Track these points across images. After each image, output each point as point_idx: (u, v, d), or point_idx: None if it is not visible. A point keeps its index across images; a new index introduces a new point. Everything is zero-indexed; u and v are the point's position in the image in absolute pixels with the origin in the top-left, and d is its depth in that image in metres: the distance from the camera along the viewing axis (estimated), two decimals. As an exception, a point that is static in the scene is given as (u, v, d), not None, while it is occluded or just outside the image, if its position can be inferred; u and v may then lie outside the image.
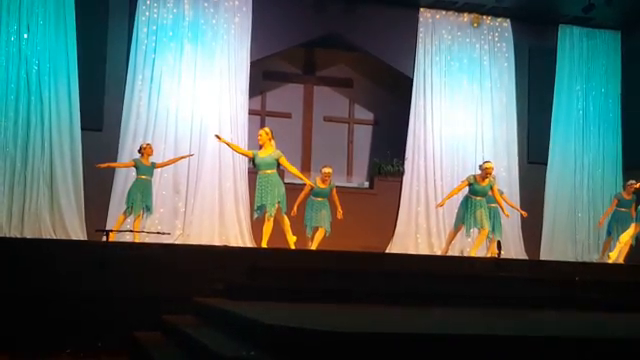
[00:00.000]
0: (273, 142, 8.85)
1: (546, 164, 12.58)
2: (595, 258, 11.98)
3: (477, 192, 9.77)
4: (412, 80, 12.30)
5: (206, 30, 11.34)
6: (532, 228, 12.26)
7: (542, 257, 12.00)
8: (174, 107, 11.09)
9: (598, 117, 12.87)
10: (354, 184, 12.68)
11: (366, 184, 12.64)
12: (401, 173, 12.14)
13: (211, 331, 5.32)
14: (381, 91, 13.14)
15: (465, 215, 9.81)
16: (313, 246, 9.83)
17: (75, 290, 6.68)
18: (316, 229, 9.98)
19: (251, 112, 11.86)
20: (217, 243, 10.31)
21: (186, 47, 11.23)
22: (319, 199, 9.97)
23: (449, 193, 10.48)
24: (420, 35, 12.36)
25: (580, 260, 11.97)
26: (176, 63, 11.15)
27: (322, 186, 9.97)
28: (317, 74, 12.99)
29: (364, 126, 13.15)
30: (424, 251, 11.61)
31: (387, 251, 11.57)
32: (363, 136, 13.11)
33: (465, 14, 12.54)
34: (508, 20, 12.64)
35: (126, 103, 10.91)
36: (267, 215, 8.73)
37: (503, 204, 10.22)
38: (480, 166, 10.05)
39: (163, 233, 8.49)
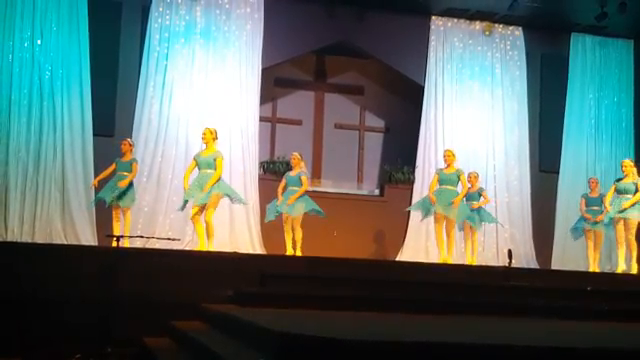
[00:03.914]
0: (217, 142, 8.90)
1: (558, 173, 12.51)
2: (607, 268, 11.89)
3: (441, 181, 9.85)
4: (423, 88, 12.27)
5: (218, 37, 11.38)
6: (544, 237, 12.20)
7: (554, 266, 11.92)
8: (185, 113, 11.10)
9: (610, 126, 12.80)
10: (364, 191, 12.65)
11: (376, 192, 12.61)
12: (412, 181, 12.10)
13: (221, 338, 5.31)
14: (392, 98, 13.12)
15: (437, 204, 9.72)
16: (296, 249, 9.49)
17: (85, 295, 6.68)
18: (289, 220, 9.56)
19: (262, 119, 11.87)
20: (227, 249, 10.30)
21: (198, 54, 11.26)
22: (293, 188, 9.54)
23: (430, 186, 10.23)
24: (431, 43, 12.34)
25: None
26: (188, 69, 11.18)
27: (290, 174, 9.73)
28: (328, 81, 12.99)
29: (375, 133, 13.13)
30: (434, 259, 11.52)
31: (397, 259, 11.53)
32: (374, 143, 13.09)
33: (477, 22, 12.51)
34: (520, 28, 12.60)
35: (138, 109, 10.94)
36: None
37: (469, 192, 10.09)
38: None
39: (173, 239, 8.46)
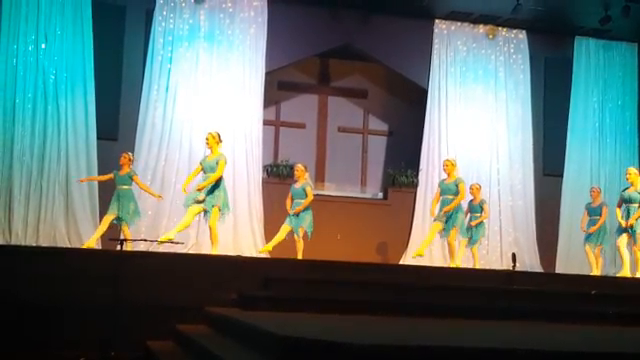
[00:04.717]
0: (220, 145, 8.93)
1: (562, 176, 12.50)
2: (612, 272, 11.85)
3: (442, 191, 9.82)
4: (427, 91, 12.28)
5: (222, 40, 11.39)
6: (548, 241, 12.17)
7: (558, 270, 11.90)
8: (189, 117, 11.12)
9: (614, 129, 12.78)
10: (368, 195, 12.65)
11: (380, 195, 12.61)
12: (415, 184, 12.10)
13: (224, 341, 5.31)
14: (396, 102, 13.13)
15: (438, 214, 9.73)
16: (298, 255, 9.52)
17: (89, 299, 6.69)
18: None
19: (265, 122, 11.88)
20: (231, 253, 10.31)
21: (201, 57, 11.28)
22: (299, 201, 9.55)
23: (433, 202, 10.22)
24: (435, 46, 12.35)
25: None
26: (191, 73, 11.20)
27: (295, 186, 9.70)
28: (332, 84, 13.00)
29: (378, 137, 13.14)
30: (438, 263, 11.53)
31: (401, 262, 11.52)
32: (377, 147, 13.09)
33: (480, 25, 12.52)
34: (524, 32, 12.60)
35: (141, 113, 10.96)
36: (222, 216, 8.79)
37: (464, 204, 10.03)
38: None
39: (177, 242, 8.49)
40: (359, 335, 4.51)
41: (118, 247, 6.90)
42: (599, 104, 12.78)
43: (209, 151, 9.07)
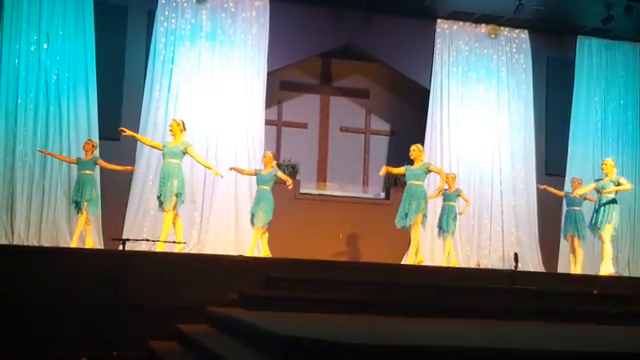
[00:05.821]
0: (184, 133, 8.91)
1: (564, 176, 12.48)
2: (612, 271, 11.83)
3: (407, 177, 9.37)
4: (429, 91, 12.28)
5: (223, 40, 11.41)
6: (550, 241, 12.16)
7: (560, 270, 11.89)
8: (191, 117, 11.10)
9: (617, 129, 12.79)
10: (370, 195, 12.65)
11: (382, 195, 12.61)
12: (417, 184, 12.06)
13: (227, 341, 5.31)
14: (398, 102, 13.13)
15: (403, 203, 9.35)
16: (263, 251, 9.49)
17: (91, 299, 6.69)
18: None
19: (267, 122, 11.89)
20: (233, 253, 10.31)
21: (203, 57, 11.29)
22: (262, 187, 9.62)
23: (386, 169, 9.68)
24: (437, 46, 12.35)
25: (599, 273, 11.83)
26: (193, 73, 11.22)
27: (263, 172, 9.71)
28: (334, 84, 13.01)
29: (380, 137, 13.14)
30: (439, 263, 11.52)
31: (403, 262, 11.51)
32: (379, 146, 13.09)
33: (483, 25, 12.52)
34: (526, 31, 12.60)
35: (143, 113, 10.98)
36: (165, 207, 8.68)
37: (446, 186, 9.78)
38: None
39: (179, 242, 8.50)
40: (360, 335, 4.51)
41: (120, 247, 6.90)
42: (601, 104, 12.78)
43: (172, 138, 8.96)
